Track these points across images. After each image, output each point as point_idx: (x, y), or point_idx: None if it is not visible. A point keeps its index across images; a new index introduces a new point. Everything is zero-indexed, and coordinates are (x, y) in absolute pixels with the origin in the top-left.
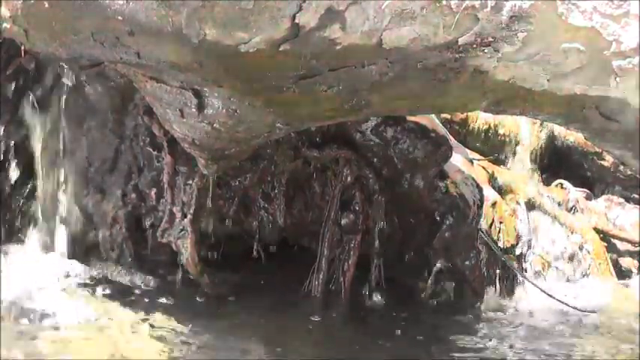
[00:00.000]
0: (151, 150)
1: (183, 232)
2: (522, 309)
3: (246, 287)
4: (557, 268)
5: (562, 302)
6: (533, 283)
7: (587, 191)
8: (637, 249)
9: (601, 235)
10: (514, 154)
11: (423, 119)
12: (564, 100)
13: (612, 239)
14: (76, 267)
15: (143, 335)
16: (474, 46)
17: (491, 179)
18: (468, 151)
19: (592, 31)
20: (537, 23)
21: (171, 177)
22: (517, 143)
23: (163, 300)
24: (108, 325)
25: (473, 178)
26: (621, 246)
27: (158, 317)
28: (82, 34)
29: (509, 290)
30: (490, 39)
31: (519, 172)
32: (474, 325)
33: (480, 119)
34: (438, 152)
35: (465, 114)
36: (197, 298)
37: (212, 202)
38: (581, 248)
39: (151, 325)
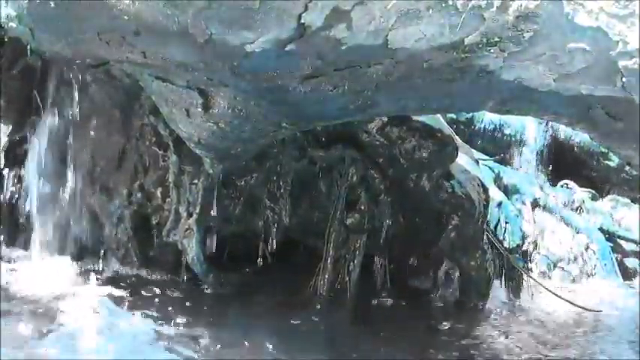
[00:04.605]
0: (156, 149)
1: (188, 232)
2: (528, 308)
3: (251, 286)
4: (562, 268)
5: (567, 301)
6: (538, 283)
7: (593, 191)
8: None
9: (606, 236)
10: (520, 154)
11: (429, 119)
12: (570, 100)
13: (618, 239)
14: (81, 267)
15: (147, 334)
16: (480, 46)
17: (497, 179)
18: (474, 151)
19: (598, 31)
20: (543, 23)
21: (176, 176)
22: (523, 143)
23: (169, 299)
24: (110, 325)
25: (478, 179)
26: (627, 246)
27: (163, 316)
28: (88, 33)
29: (514, 290)
30: (496, 39)
31: (525, 172)
32: (480, 325)
33: (486, 119)
34: (444, 152)
35: (471, 114)
36: (202, 297)
37: (218, 202)
38: (586, 248)
39: (156, 324)
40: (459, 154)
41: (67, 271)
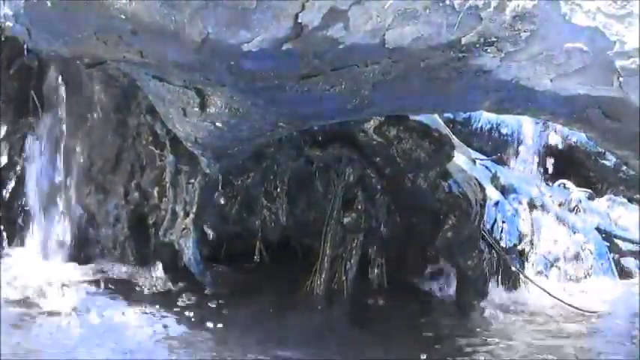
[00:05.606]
0: (153, 149)
1: (185, 231)
2: (524, 309)
3: (248, 286)
4: (559, 268)
5: (564, 302)
6: (535, 283)
7: (590, 191)
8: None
9: (603, 235)
10: (517, 153)
11: (426, 118)
12: (567, 100)
13: (615, 239)
14: (78, 267)
15: (143, 334)
16: (477, 45)
17: (494, 179)
18: (471, 150)
19: (596, 31)
20: (541, 23)
21: (173, 176)
22: (520, 143)
23: (165, 299)
24: (109, 324)
25: (475, 178)
26: (623, 246)
27: (160, 316)
28: (85, 33)
29: (511, 290)
30: (493, 38)
31: (522, 171)
32: (476, 325)
33: (483, 119)
34: (441, 152)
35: (468, 113)
36: (199, 297)
37: (215, 201)
38: (583, 248)
39: (152, 323)
40: (456, 153)
41: (62, 271)
